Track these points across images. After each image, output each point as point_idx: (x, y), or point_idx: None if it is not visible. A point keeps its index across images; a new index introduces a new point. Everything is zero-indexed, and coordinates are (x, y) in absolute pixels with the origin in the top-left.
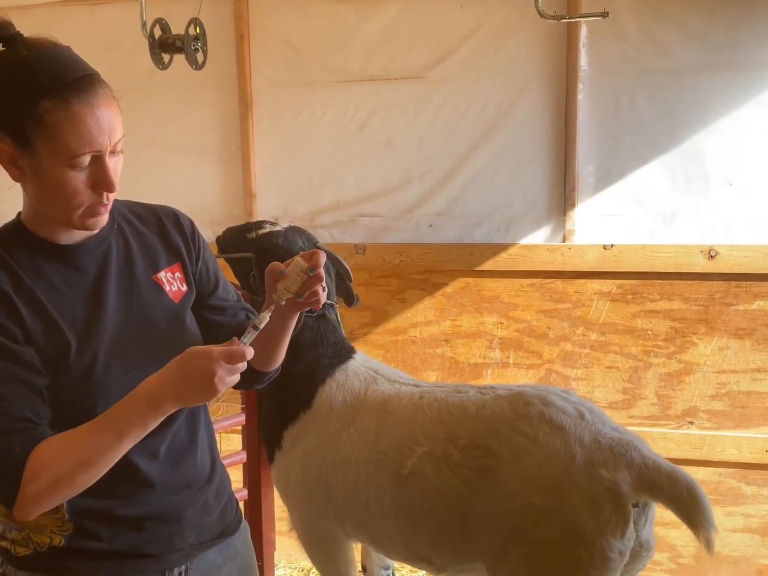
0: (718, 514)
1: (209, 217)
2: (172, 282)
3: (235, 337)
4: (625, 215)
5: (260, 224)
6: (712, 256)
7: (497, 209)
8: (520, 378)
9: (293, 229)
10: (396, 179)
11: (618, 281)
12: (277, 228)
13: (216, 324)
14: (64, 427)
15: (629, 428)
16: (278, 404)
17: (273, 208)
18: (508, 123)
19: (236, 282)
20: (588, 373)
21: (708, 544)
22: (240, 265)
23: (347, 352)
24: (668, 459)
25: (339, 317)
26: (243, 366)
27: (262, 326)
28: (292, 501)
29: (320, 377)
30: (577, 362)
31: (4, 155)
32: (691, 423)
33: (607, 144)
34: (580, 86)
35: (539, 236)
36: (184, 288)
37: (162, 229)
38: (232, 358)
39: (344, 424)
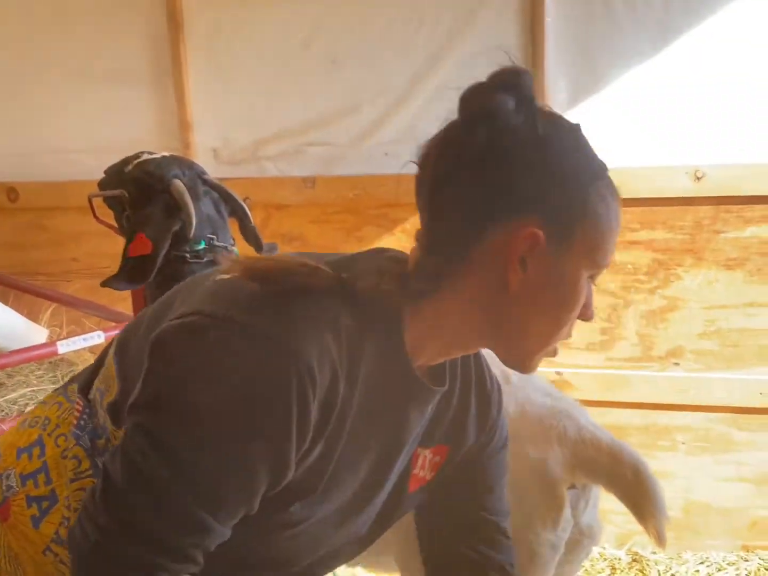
0: (707, 462)
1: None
2: (425, 466)
3: None
4: (601, 135)
5: (137, 155)
6: (698, 178)
7: None
8: None
9: (173, 158)
10: (345, 103)
11: None
12: (154, 156)
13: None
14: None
15: (608, 372)
16: None
17: (212, 139)
18: (468, 34)
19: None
20: None
21: (659, 538)
22: (115, 206)
23: None
24: (652, 404)
25: None
26: None
27: None
28: None
29: None
30: None
31: (522, 246)
32: (676, 364)
33: (580, 54)
34: None
35: None
36: (429, 476)
37: (471, 404)
38: None
39: None
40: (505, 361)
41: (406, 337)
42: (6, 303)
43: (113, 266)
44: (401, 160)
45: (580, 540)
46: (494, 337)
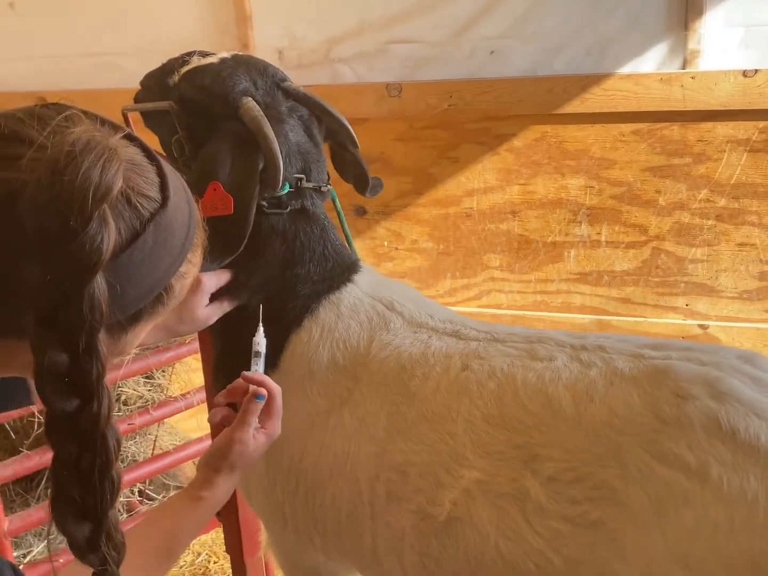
0: None
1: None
2: None
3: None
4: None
5: (184, 58)
6: None
7: (586, 24)
8: (615, 261)
9: (236, 61)
10: None
11: (761, 123)
12: (208, 60)
13: None
14: None
15: (766, 326)
16: (229, 358)
17: (276, 38)
18: None
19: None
20: (711, 253)
21: None
22: (160, 125)
23: (344, 272)
24: None
25: (340, 210)
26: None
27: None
28: (260, 514)
29: (294, 316)
30: (697, 238)
31: None
32: None
33: None
34: None
35: (648, 61)
36: None
37: None
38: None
39: (333, 402)
40: None
41: None
42: None
43: None
44: (510, 60)
45: None
46: None
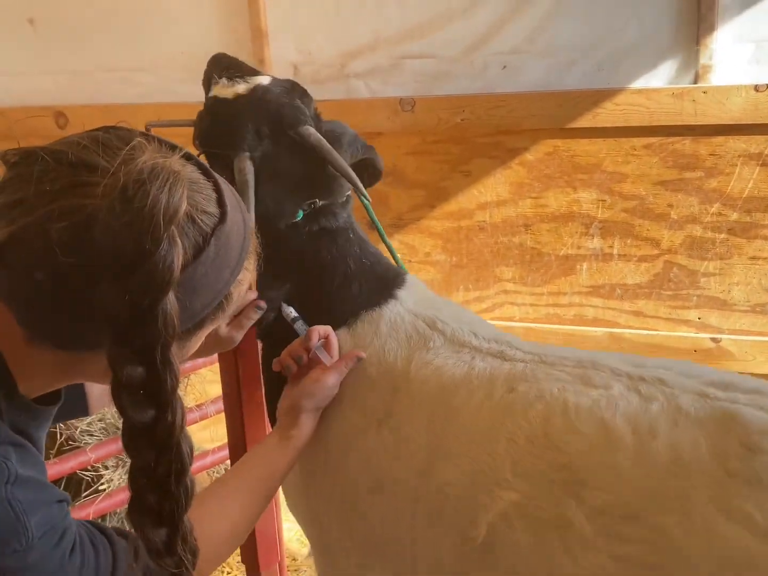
0: None
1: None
2: None
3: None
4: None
5: (214, 78)
6: None
7: (599, 40)
8: (628, 275)
9: (248, 105)
10: (454, 3)
11: None
12: (226, 94)
13: None
14: None
15: None
16: (274, 370)
17: (291, 52)
18: None
19: None
20: (724, 267)
21: None
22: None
23: (385, 287)
24: None
25: (377, 223)
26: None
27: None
28: (298, 517)
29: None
30: (710, 252)
31: None
32: None
33: None
34: None
35: (660, 76)
36: None
37: None
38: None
39: (370, 419)
40: None
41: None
42: None
43: None
44: (522, 75)
45: None
46: None
